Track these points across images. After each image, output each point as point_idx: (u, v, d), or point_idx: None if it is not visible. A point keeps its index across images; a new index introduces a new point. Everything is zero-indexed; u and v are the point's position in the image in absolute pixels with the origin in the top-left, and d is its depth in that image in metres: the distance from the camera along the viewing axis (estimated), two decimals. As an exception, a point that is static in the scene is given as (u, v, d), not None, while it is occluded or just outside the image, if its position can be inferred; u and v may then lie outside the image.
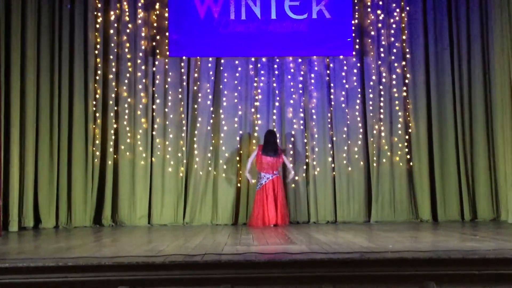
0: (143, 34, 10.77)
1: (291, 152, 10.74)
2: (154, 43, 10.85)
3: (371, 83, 10.85)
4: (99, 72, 10.56)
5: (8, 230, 9.46)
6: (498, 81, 10.24)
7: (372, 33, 10.92)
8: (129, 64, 10.74)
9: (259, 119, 10.77)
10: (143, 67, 10.74)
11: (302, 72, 10.90)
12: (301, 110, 10.83)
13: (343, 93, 10.85)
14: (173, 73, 10.81)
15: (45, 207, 10.07)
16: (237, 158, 10.72)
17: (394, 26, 10.92)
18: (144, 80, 10.74)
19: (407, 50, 10.88)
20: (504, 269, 5.03)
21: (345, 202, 10.69)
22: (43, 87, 10.15)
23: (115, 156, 10.58)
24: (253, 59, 10.88)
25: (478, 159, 10.61)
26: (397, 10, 10.91)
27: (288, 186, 10.64)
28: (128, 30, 10.76)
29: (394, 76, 10.87)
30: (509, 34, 9.91)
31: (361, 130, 10.80)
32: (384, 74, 10.86)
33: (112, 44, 10.68)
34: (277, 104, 10.82)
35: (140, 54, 10.75)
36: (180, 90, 10.77)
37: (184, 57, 10.81)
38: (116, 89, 10.66)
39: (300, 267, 5.09)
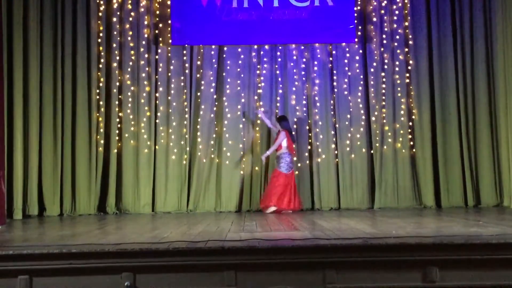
0: (145, 22, 10.76)
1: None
2: (156, 31, 10.83)
3: (373, 70, 10.82)
4: (102, 60, 10.57)
5: (13, 218, 9.51)
6: (501, 68, 10.21)
7: (375, 19, 10.88)
8: (132, 52, 10.72)
9: (262, 106, 10.77)
10: (146, 55, 10.74)
11: (304, 60, 10.88)
12: (304, 97, 10.82)
13: (346, 80, 10.83)
14: (176, 61, 10.80)
15: (49, 195, 10.12)
16: (240, 146, 10.72)
17: (397, 12, 10.87)
18: (147, 68, 10.74)
19: (410, 36, 10.84)
20: (507, 254, 5.04)
21: (348, 189, 10.71)
22: (46, 76, 10.17)
23: (119, 144, 10.59)
24: (255, 46, 10.87)
25: (481, 145, 10.60)
26: (400, -4, 10.89)
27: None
28: (130, 18, 10.74)
29: (397, 63, 10.84)
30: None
31: (363, 117, 10.79)
32: (386, 61, 10.84)
33: (115, 33, 10.67)
34: (280, 91, 10.82)
35: (143, 42, 10.74)
36: (183, 78, 10.77)
37: (186, 45, 10.80)
38: (119, 77, 10.66)
39: (304, 253, 5.11)
